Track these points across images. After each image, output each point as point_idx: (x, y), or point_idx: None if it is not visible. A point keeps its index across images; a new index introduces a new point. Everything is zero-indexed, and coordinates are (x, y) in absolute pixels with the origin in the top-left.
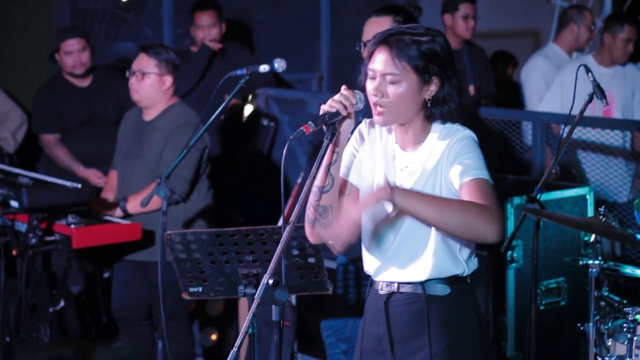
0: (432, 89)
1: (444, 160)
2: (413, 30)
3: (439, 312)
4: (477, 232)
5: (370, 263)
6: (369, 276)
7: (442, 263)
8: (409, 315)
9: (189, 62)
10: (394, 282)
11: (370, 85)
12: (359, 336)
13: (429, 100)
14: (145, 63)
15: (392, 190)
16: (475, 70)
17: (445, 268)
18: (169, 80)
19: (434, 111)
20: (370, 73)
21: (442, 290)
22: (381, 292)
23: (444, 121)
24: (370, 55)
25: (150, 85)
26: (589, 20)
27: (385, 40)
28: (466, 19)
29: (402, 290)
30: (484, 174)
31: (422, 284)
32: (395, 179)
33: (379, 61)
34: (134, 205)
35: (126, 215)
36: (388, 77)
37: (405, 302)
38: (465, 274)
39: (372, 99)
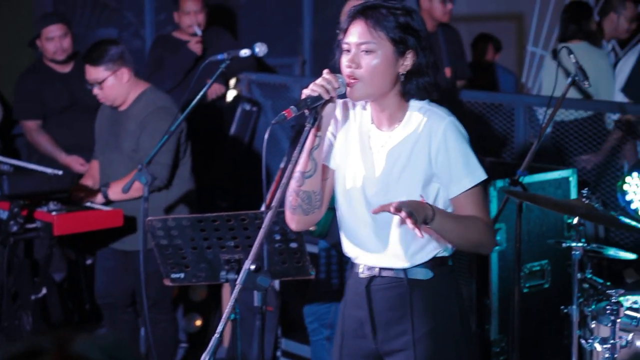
0: (407, 63)
1: (427, 152)
2: (389, 4)
3: (421, 297)
4: (481, 250)
5: (350, 247)
6: (349, 259)
7: (424, 247)
8: (391, 300)
9: (175, 58)
10: (375, 266)
11: (344, 60)
12: (339, 318)
13: (403, 74)
14: (94, 73)
15: (434, 213)
16: (451, 52)
17: (427, 252)
18: (125, 72)
19: (409, 86)
20: (345, 46)
21: (424, 274)
22: (362, 276)
23: (421, 98)
24: (346, 31)
25: (111, 87)
26: (630, 12)
27: (361, 12)
28: (444, 2)
29: (384, 274)
30: (476, 177)
31: (404, 269)
32: (373, 159)
33: (354, 33)
34: (115, 191)
35: (108, 202)
36: (363, 47)
37: (387, 286)
38: (447, 255)
39: (346, 72)
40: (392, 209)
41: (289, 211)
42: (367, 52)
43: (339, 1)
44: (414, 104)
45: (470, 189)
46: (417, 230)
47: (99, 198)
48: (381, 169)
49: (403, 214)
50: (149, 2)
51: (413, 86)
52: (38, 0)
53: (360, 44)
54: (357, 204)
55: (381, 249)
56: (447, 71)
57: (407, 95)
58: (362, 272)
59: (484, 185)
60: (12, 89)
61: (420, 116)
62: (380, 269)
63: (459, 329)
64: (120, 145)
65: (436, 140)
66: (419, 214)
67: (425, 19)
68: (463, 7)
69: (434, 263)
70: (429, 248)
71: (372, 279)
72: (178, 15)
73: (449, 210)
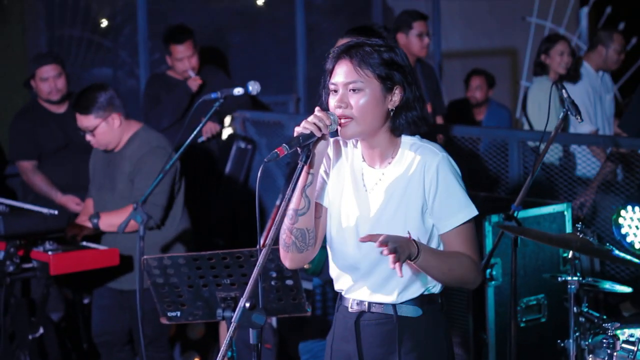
0: (395, 99)
1: (422, 187)
2: (371, 41)
3: (409, 334)
4: (466, 286)
5: (341, 281)
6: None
7: (414, 283)
8: (379, 336)
9: (171, 97)
10: (364, 301)
11: (332, 101)
12: (327, 352)
13: (391, 110)
14: (85, 121)
15: (418, 250)
16: (429, 87)
17: (417, 288)
18: (115, 118)
19: (399, 121)
20: (332, 87)
21: (413, 311)
22: (351, 310)
23: (412, 133)
24: (330, 72)
25: (104, 134)
26: (619, 43)
27: (345, 51)
28: (421, 37)
29: (373, 310)
30: (467, 213)
31: (394, 305)
32: (367, 197)
33: (340, 73)
34: (106, 222)
35: (97, 232)
36: (351, 86)
37: (376, 322)
38: (437, 292)
39: (337, 112)
40: (377, 243)
41: (282, 249)
42: (355, 90)
43: (332, 39)
44: (405, 139)
45: (460, 225)
46: (397, 269)
47: (89, 227)
48: (376, 206)
49: (386, 251)
50: (143, 42)
51: (403, 121)
52: (32, 39)
53: (347, 84)
54: (349, 241)
55: (371, 284)
56: (428, 107)
57: (397, 130)
58: (351, 307)
59: (474, 221)
60: (7, 130)
61: (413, 152)
62: (370, 304)
63: None
64: (115, 186)
65: (429, 175)
66: (403, 250)
67: None
68: (457, 42)
69: (424, 300)
70: (418, 284)
71: (361, 314)
72: (171, 60)
73: (442, 246)
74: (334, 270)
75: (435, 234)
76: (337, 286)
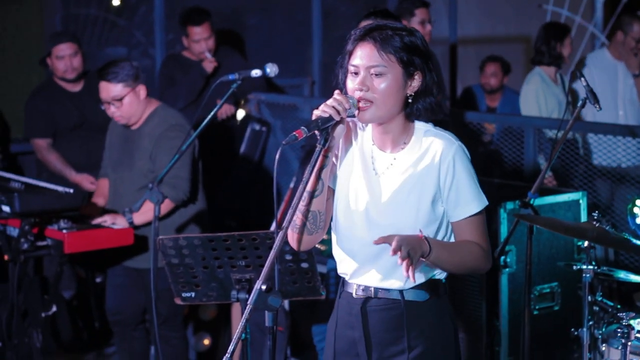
0: (415, 84)
1: (436, 175)
2: (394, 24)
3: (417, 318)
4: (476, 272)
5: (346, 265)
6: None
7: (421, 269)
8: (387, 322)
9: (186, 78)
10: (370, 287)
11: (352, 83)
12: (329, 338)
13: (410, 96)
14: (113, 90)
15: (430, 248)
16: None
17: (424, 273)
18: (142, 89)
19: (416, 107)
20: (352, 69)
21: (420, 296)
22: (356, 296)
23: (427, 119)
24: (351, 53)
25: (130, 104)
26: (637, 31)
27: (367, 34)
28: (423, 24)
29: (380, 295)
30: (481, 203)
31: (401, 290)
32: (379, 181)
33: (362, 55)
34: (140, 219)
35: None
36: (373, 70)
37: (383, 307)
38: (442, 277)
39: (356, 94)
40: (391, 251)
41: (291, 230)
42: (378, 75)
43: (349, 23)
44: (419, 126)
45: (471, 217)
46: (410, 275)
47: (122, 222)
48: (387, 191)
49: (400, 259)
50: (159, 21)
51: (420, 107)
52: (48, 18)
53: (370, 67)
54: (358, 225)
55: (378, 270)
56: None
57: (413, 116)
58: (356, 293)
59: (485, 210)
60: (23, 107)
61: (428, 140)
62: (376, 289)
63: (453, 350)
64: (134, 163)
65: (445, 165)
66: (415, 252)
67: None
68: (472, 29)
69: (429, 285)
70: (425, 270)
71: (367, 299)
72: (187, 41)
73: (449, 231)
74: (338, 254)
75: (445, 221)
76: (341, 270)
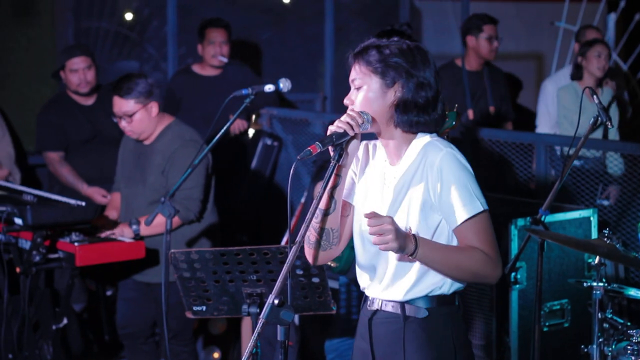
0: (397, 94)
1: (425, 183)
2: (379, 42)
3: (415, 334)
4: (483, 281)
5: (362, 279)
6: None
7: (422, 282)
8: (387, 335)
9: (195, 92)
10: (376, 299)
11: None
12: (353, 349)
13: (396, 105)
14: (125, 105)
15: (417, 244)
16: (495, 91)
17: (424, 287)
18: (154, 106)
19: (402, 118)
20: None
21: (420, 312)
22: (369, 308)
23: (423, 132)
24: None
25: (141, 121)
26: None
27: (352, 55)
28: (490, 40)
29: (385, 308)
30: (476, 206)
31: (403, 304)
32: (383, 196)
33: (351, 73)
34: (144, 228)
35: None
36: (354, 84)
37: (385, 320)
38: (447, 292)
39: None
40: (368, 223)
41: (307, 246)
42: (358, 88)
43: (360, 38)
44: (420, 137)
45: (469, 219)
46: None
47: (129, 232)
48: (386, 204)
49: (370, 227)
50: (171, 35)
51: (405, 118)
52: (59, 32)
53: (352, 81)
54: (366, 238)
55: (382, 282)
56: (491, 109)
57: (405, 127)
58: (369, 305)
59: (488, 215)
60: (35, 120)
61: (422, 150)
62: (382, 301)
63: None
64: (146, 179)
65: (432, 172)
66: (393, 237)
67: (471, 57)
68: None
69: (432, 301)
70: (426, 283)
71: (375, 312)
72: (202, 47)
73: (454, 242)
74: (357, 268)
75: (442, 231)
76: (360, 284)
